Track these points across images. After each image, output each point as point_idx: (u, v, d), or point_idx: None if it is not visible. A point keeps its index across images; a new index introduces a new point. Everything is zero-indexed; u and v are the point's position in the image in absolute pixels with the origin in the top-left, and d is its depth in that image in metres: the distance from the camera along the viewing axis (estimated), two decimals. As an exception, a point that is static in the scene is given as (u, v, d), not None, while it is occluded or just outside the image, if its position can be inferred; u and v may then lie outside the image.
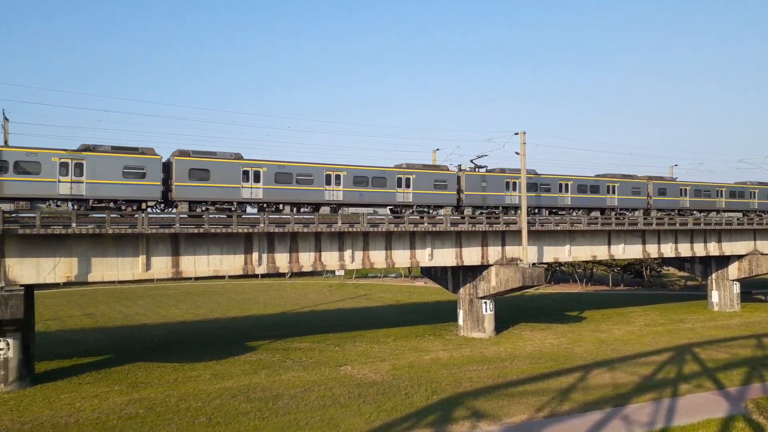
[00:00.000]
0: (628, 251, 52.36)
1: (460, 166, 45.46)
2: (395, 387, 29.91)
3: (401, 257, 41.01)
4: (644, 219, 50.91)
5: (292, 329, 48.83)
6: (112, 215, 30.82)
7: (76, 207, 32.04)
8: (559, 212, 48.71)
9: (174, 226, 31.88)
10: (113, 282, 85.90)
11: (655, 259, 74.22)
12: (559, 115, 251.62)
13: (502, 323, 48.26)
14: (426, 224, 40.22)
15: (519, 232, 43.96)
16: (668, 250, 54.42)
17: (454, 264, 43.38)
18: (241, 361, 36.30)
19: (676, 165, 63.91)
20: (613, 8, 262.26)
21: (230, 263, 35.13)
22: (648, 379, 31.04)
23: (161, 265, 33.27)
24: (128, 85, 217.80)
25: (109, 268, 32.04)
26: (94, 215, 30.93)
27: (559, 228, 46.01)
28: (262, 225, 34.21)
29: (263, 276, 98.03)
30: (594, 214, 50.71)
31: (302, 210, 38.35)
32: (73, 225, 29.57)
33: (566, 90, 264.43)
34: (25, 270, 29.85)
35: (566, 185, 48.62)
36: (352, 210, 39.56)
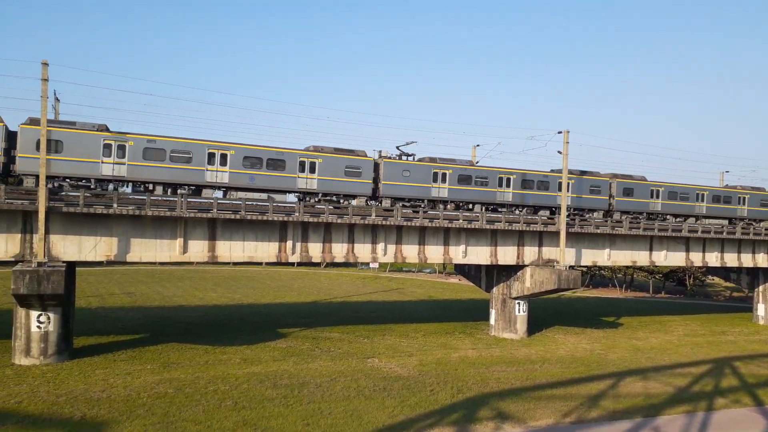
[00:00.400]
0: (670, 258, 50.72)
1: (380, 152, 41.00)
2: (421, 383, 29.80)
3: (434, 253, 40.75)
4: (689, 225, 49.22)
5: (323, 318, 49.22)
6: (152, 197, 31.54)
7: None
8: (499, 209, 44.02)
9: (211, 211, 32.46)
10: (154, 263, 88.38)
11: (699, 267, 71.79)
12: (606, 115, 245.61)
13: (534, 325, 47.52)
14: (461, 221, 39.82)
15: (557, 233, 43.10)
16: (713, 259, 52.49)
17: (489, 262, 42.87)
18: (271, 347, 36.78)
19: (727, 171, 61.51)
20: (671, 6, 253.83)
21: (265, 250, 35.55)
22: (683, 391, 30.04)
23: (198, 249, 33.92)
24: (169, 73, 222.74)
25: (147, 249, 32.86)
26: (134, 197, 31.72)
27: (599, 231, 44.91)
28: (297, 214, 34.48)
29: (299, 264, 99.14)
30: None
31: (179, 192, 34.59)
32: (114, 205, 30.42)
33: (613, 89, 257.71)
34: (67, 247, 30.93)
35: (508, 180, 43.67)
36: (241, 194, 35.58)
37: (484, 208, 43.16)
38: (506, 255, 43.14)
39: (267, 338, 39.22)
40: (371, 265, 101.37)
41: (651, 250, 49.42)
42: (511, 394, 28.22)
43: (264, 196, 36.02)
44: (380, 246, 38.58)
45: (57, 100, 34.03)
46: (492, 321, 45.68)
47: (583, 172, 47.32)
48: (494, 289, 45.92)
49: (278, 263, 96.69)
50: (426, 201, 41.34)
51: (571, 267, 44.83)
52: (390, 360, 34.77)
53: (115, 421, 22.52)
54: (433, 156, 42.37)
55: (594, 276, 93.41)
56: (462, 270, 51.67)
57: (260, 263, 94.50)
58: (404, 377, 30.86)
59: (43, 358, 30.35)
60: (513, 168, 44.42)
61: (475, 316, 53.49)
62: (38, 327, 30.20)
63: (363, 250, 38.24)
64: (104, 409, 23.89)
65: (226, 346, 36.22)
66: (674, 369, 35.18)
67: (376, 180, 39.95)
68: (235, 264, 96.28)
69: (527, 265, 43.47)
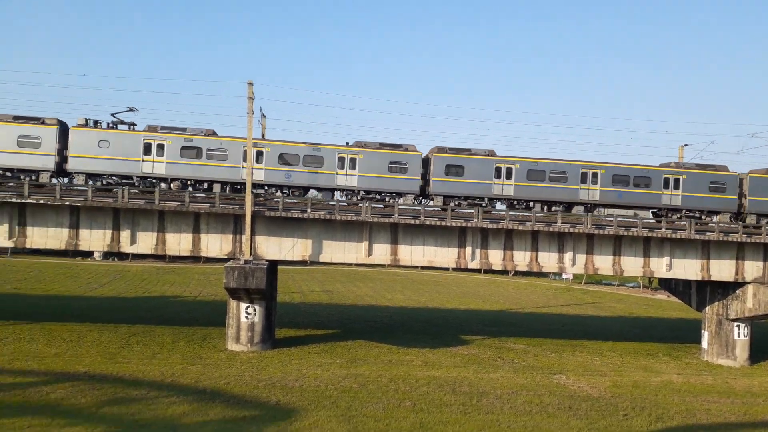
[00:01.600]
0: None
1: (87, 120, 33.29)
2: (613, 405, 27.19)
3: (631, 265, 37.03)
4: None
5: (509, 328, 47.74)
6: (340, 203, 33.58)
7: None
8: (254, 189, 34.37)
9: (393, 216, 33.49)
10: (350, 264, 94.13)
11: None
12: None
13: (759, 351, 40.61)
14: (664, 229, 35.72)
15: (788, 246, 36.43)
16: None
17: (698, 278, 37.76)
18: (453, 353, 36.64)
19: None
20: None
21: (443, 255, 35.60)
22: None
23: (381, 252, 35.22)
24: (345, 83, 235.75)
25: (337, 251, 35.04)
26: (325, 203, 34.10)
27: None
28: (475, 220, 33.98)
29: (485, 271, 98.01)
30: None
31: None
32: (309, 210, 33.02)
33: None
34: (270, 247, 34.27)
35: (259, 153, 34.68)
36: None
37: (228, 188, 35.11)
38: (721, 270, 37.59)
39: (449, 343, 39.20)
40: (564, 276, 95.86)
41: None
42: (724, 429, 24.40)
43: None
44: (567, 255, 36.18)
45: (263, 116, 37.81)
46: (704, 344, 40.10)
47: (383, 145, 36.09)
48: (707, 308, 40.30)
49: (463, 269, 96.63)
50: (136, 178, 33.90)
51: (810, 286, 37.47)
52: (579, 378, 32.36)
53: (304, 409, 24.19)
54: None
55: None
56: (668, 285, 46.27)
57: (447, 268, 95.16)
58: (594, 398, 28.45)
59: (250, 346, 33.91)
60: (272, 139, 35.65)
61: (683, 337, 47.52)
62: (246, 317, 33.88)
63: (548, 259, 36.21)
64: (296, 396, 25.84)
65: (409, 348, 36.96)
66: None
67: (61, 152, 33.01)
68: (423, 268, 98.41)
69: (748, 282, 37.40)
